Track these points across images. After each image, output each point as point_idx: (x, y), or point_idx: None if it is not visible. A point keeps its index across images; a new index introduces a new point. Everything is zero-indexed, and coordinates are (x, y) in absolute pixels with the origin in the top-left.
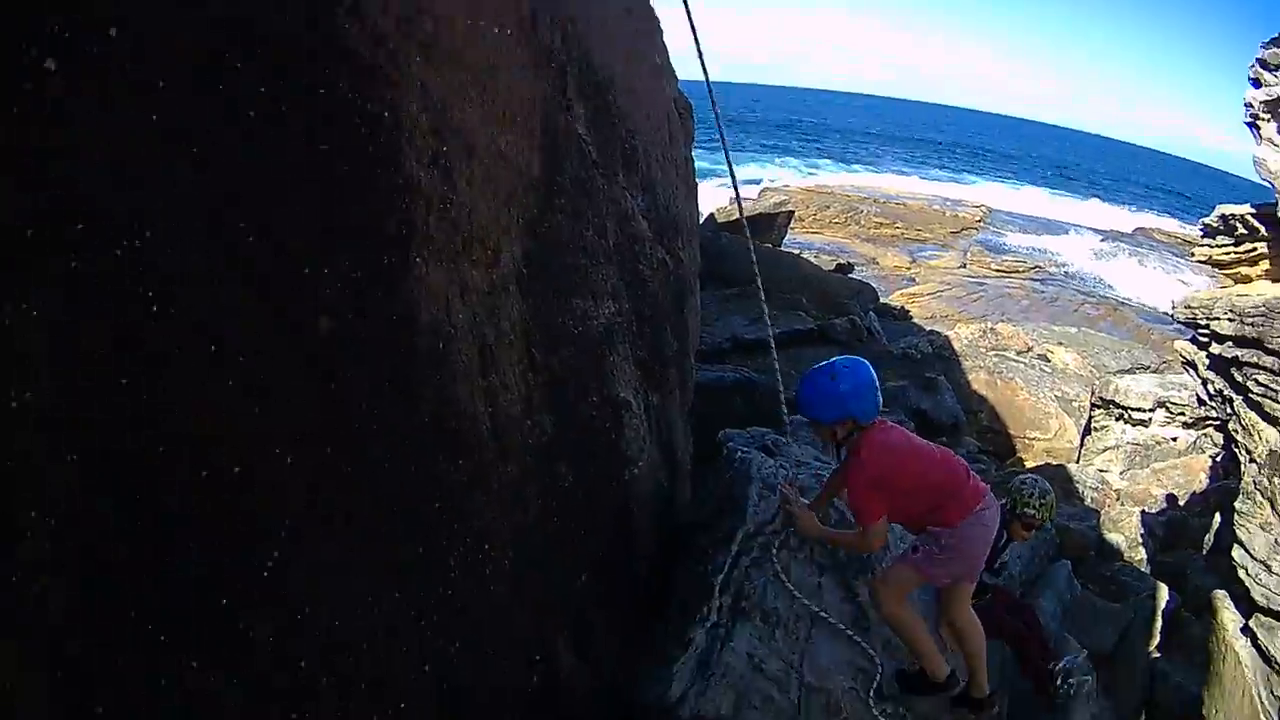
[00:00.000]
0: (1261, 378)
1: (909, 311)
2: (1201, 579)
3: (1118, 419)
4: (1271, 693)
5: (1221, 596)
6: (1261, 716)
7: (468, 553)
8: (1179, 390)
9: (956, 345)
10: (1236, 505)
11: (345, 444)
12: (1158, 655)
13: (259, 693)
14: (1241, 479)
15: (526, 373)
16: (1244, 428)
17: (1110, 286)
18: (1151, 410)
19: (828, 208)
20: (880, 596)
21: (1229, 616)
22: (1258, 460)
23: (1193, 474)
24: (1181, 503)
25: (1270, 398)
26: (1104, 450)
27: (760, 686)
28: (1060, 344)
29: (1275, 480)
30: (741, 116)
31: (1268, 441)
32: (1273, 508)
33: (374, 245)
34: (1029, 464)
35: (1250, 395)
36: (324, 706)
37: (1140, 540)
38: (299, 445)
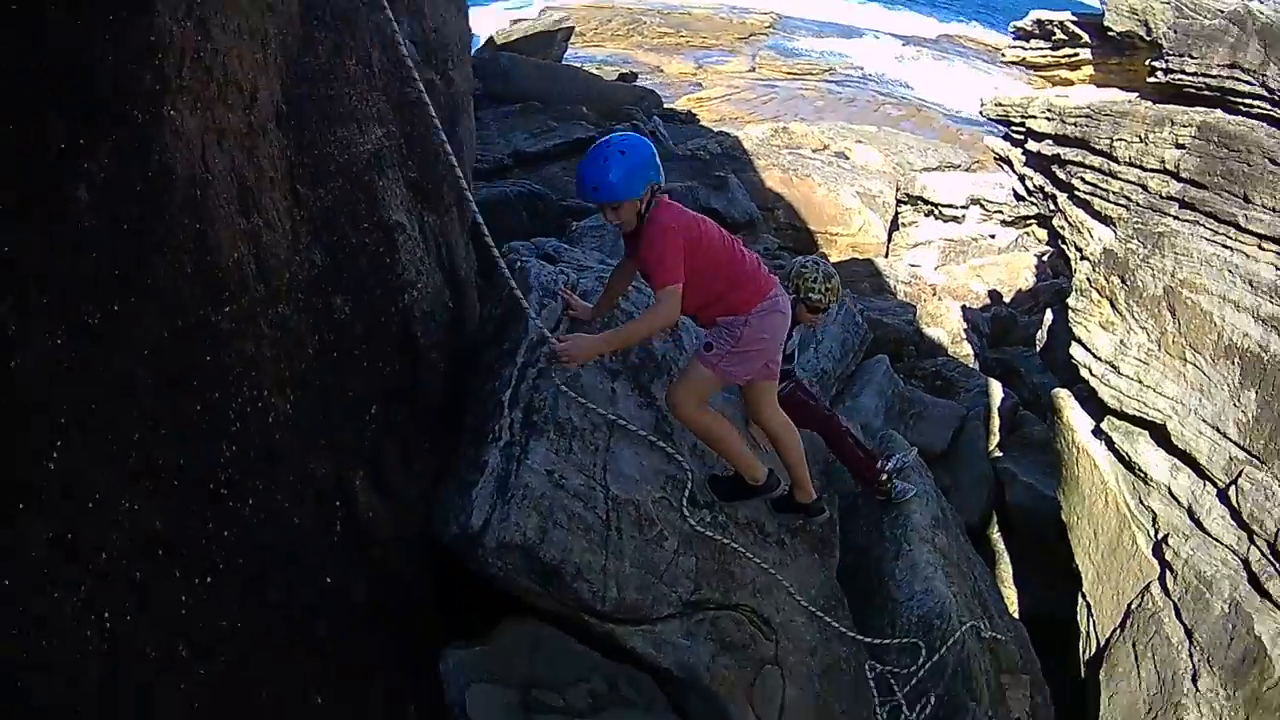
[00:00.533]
0: (1088, 176)
1: (696, 115)
2: (1039, 377)
3: (928, 215)
4: (1141, 501)
5: (1065, 396)
6: (1132, 526)
7: (247, 403)
8: (995, 189)
9: (747, 145)
10: (1070, 303)
11: (103, 308)
12: (999, 455)
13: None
14: (1074, 276)
15: (292, 209)
16: (1071, 225)
17: (912, 89)
18: (965, 208)
19: (610, 21)
20: (676, 401)
21: (1076, 417)
22: (1090, 258)
23: (1016, 272)
24: (1008, 299)
25: (1100, 196)
26: (915, 246)
27: (564, 504)
28: (860, 142)
29: (1113, 279)
30: None
31: (1100, 240)
32: (1113, 306)
33: (128, 103)
34: (835, 258)
35: (1076, 193)
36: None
37: (964, 335)
38: (55, 318)
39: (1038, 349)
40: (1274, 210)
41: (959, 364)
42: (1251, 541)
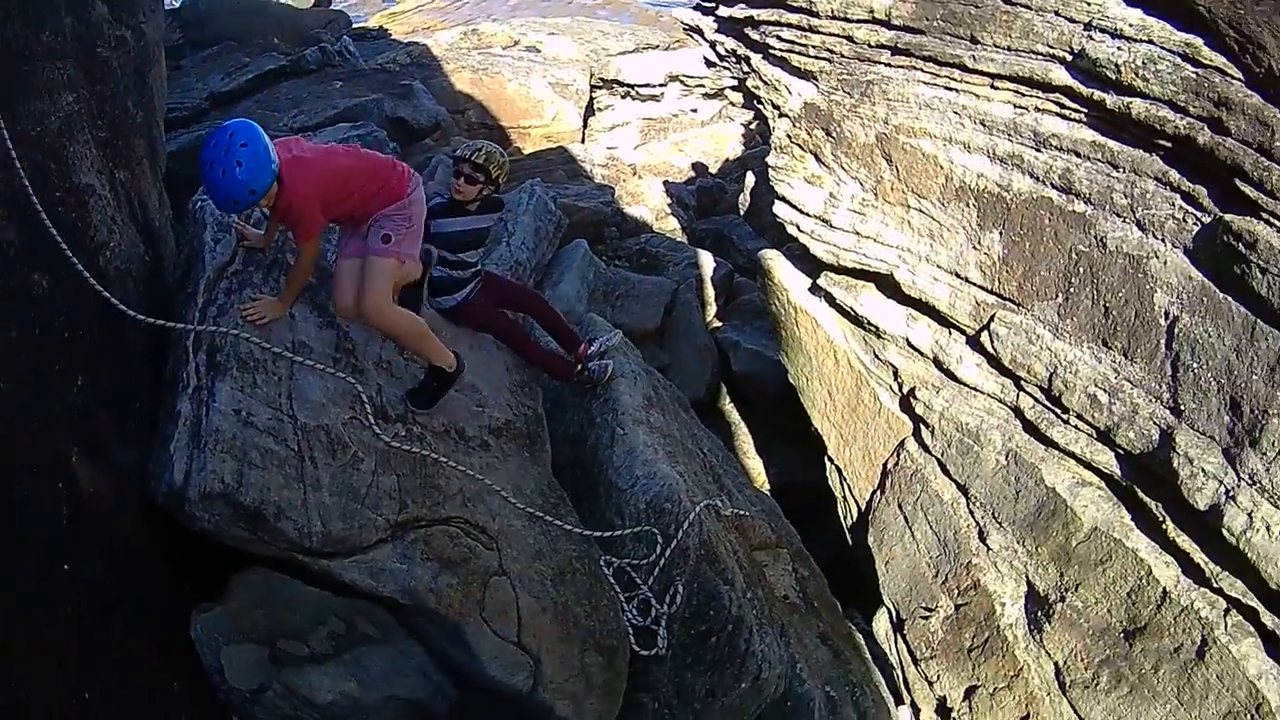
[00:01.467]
0: (785, 34)
1: (388, 31)
2: (752, 243)
3: (624, 97)
4: (876, 356)
5: (774, 256)
6: (870, 383)
7: None
8: (695, 64)
9: (436, 52)
10: (770, 161)
11: None
12: (719, 325)
13: None
14: (772, 135)
15: None
16: (767, 84)
17: None
18: (663, 85)
19: None
20: (375, 307)
21: (787, 277)
22: (790, 114)
23: (721, 143)
24: (714, 171)
25: (799, 52)
26: (612, 129)
27: (256, 441)
28: (552, 34)
29: (815, 132)
30: None
31: (800, 95)
32: (818, 160)
33: None
34: (527, 150)
35: (771, 53)
36: None
37: (669, 211)
38: None
39: (742, 213)
40: (1009, 49)
41: (665, 239)
42: (1020, 388)
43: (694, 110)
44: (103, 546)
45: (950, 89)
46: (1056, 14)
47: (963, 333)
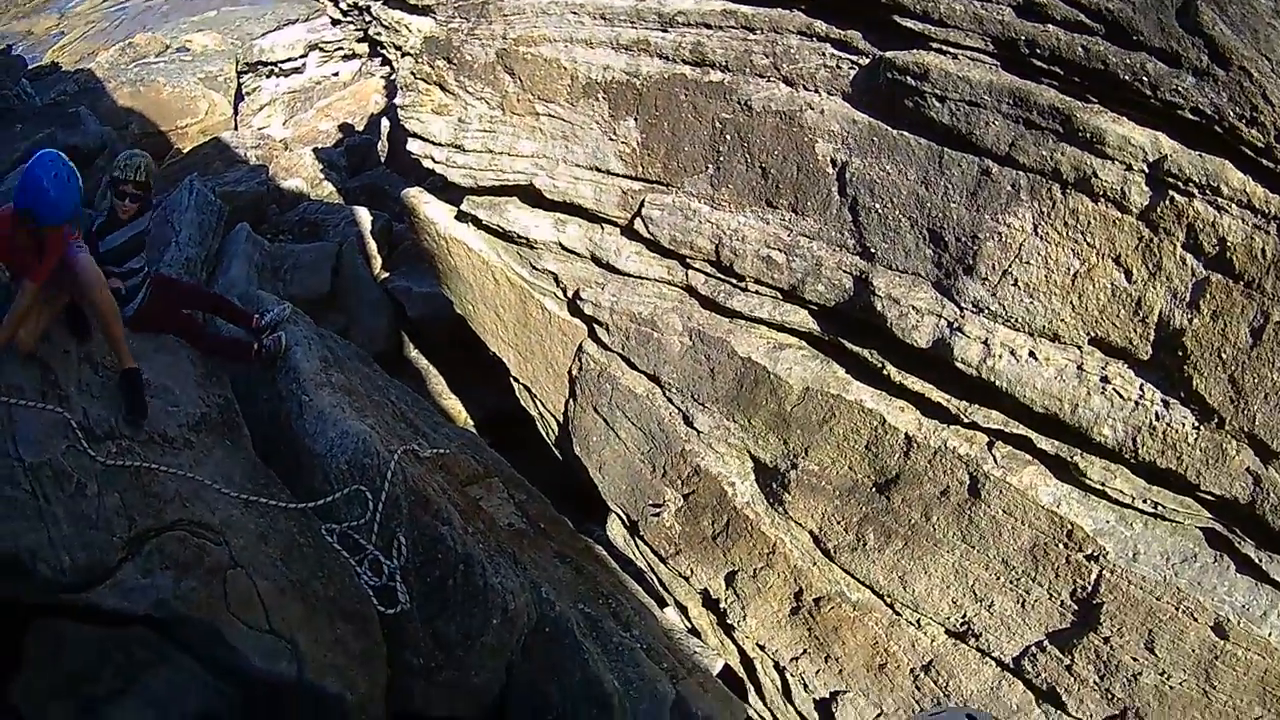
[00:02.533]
0: None
1: (59, 64)
2: (401, 189)
3: (269, 76)
4: (534, 267)
5: (415, 194)
6: (536, 295)
7: None
8: (331, 30)
9: (99, 74)
10: (398, 101)
11: None
12: (387, 274)
13: None
14: (397, 76)
15: None
16: (388, 27)
17: None
18: (303, 56)
19: None
20: (95, 297)
21: (432, 211)
22: (411, 52)
23: (365, 99)
24: (362, 129)
25: None
26: (260, 109)
27: None
28: (199, 30)
29: (438, 63)
30: None
31: (420, 31)
32: (442, 90)
33: None
34: (187, 148)
35: None
36: None
37: (322, 176)
38: None
39: (383, 160)
40: None
41: (322, 204)
42: (688, 267)
43: (335, 74)
44: None
45: None
46: None
47: (615, 225)
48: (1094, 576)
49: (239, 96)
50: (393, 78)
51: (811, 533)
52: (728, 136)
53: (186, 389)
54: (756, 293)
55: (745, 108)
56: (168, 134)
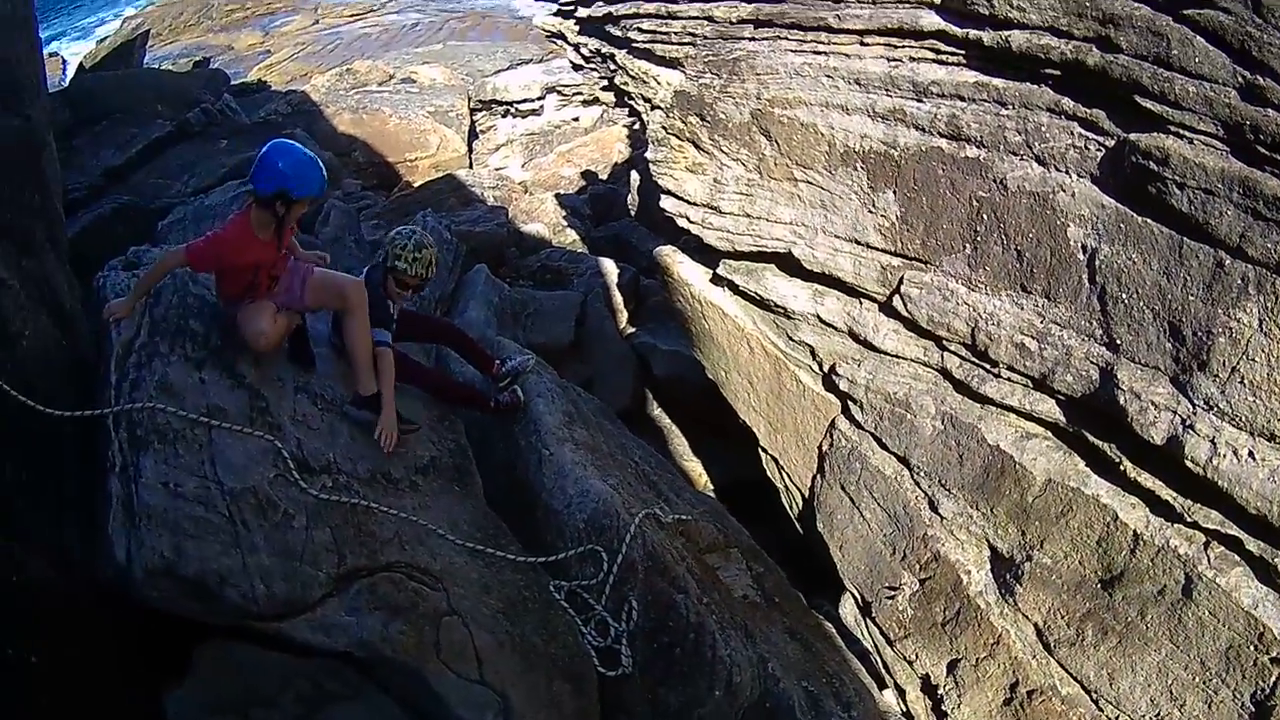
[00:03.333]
0: (646, 25)
1: (268, 83)
2: (652, 243)
3: (504, 116)
4: (790, 338)
5: (670, 252)
6: (790, 366)
7: None
8: (569, 72)
9: (315, 97)
10: (650, 157)
11: None
12: (633, 331)
13: None
14: (647, 129)
15: None
16: (634, 77)
17: None
18: (541, 98)
19: (181, 14)
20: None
21: (687, 271)
22: (661, 105)
23: (607, 147)
24: (605, 177)
25: (661, 41)
26: (497, 149)
27: (186, 511)
28: (425, 63)
29: (691, 119)
30: None
31: (669, 84)
32: (696, 147)
33: None
34: (418, 183)
35: (635, 46)
36: None
37: (565, 223)
38: None
39: (632, 213)
40: (873, 3)
41: (565, 251)
42: (943, 349)
43: (575, 119)
44: (55, 633)
45: (819, 53)
46: None
47: (873, 300)
48: (1273, 679)
49: (472, 134)
50: (637, 127)
51: (1036, 625)
52: (984, 215)
53: (420, 430)
54: (1008, 379)
55: (1000, 186)
56: (395, 166)
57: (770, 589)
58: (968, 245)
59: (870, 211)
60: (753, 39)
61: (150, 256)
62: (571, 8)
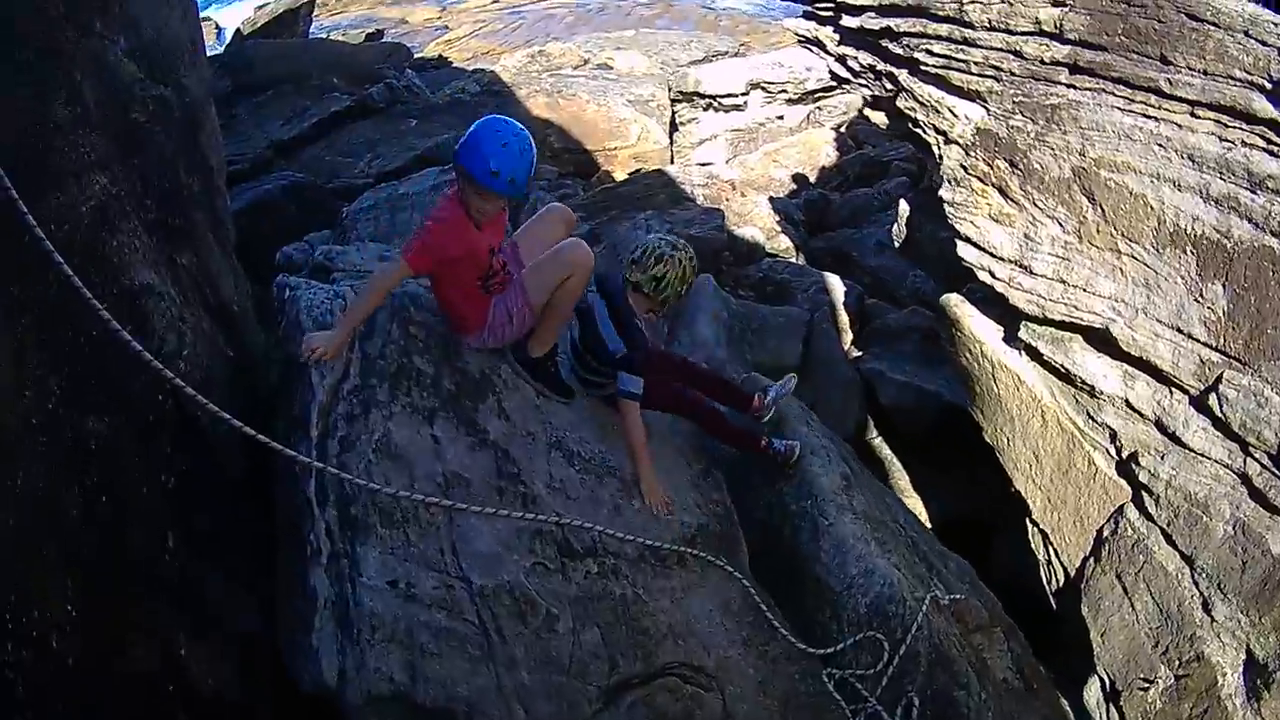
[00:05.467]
0: (937, 48)
1: (448, 59)
2: (875, 259)
3: (707, 109)
4: (1091, 417)
5: (959, 303)
6: (1085, 446)
7: (18, 629)
8: (773, 69)
9: (505, 78)
10: (945, 196)
11: None
12: (859, 354)
13: None
14: (940, 163)
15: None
16: (924, 104)
17: None
18: (745, 94)
19: None
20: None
21: (979, 327)
22: (961, 141)
23: (814, 150)
24: (814, 180)
25: (957, 69)
26: (700, 144)
27: (424, 620)
28: (620, 48)
29: (997, 163)
30: None
31: (969, 119)
32: (1003, 195)
33: None
34: (619, 175)
35: (924, 68)
36: None
37: (779, 229)
38: None
39: (896, 245)
40: (1204, 73)
41: (787, 263)
42: (1247, 454)
43: (780, 117)
44: None
45: (1150, 117)
46: (1247, 34)
47: (1185, 393)
48: None
49: (673, 127)
50: (842, 129)
51: None
52: None
53: (681, 491)
54: None
55: None
56: (594, 154)
57: (1028, 673)
58: None
59: (1197, 301)
60: (1071, 86)
61: (345, 259)
62: (831, 14)
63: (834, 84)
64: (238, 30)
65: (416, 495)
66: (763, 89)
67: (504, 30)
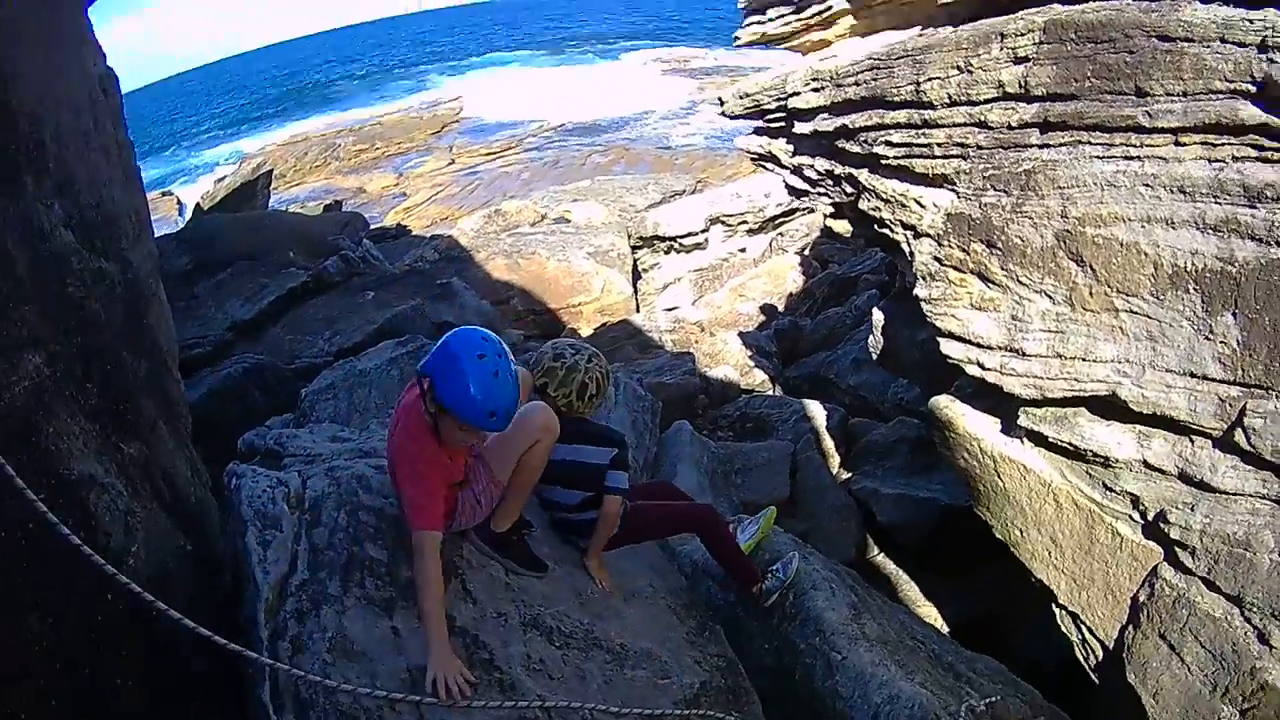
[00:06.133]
0: (895, 137)
1: (407, 227)
2: (854, 378)
3: (668, 252)
4: (1108, 488)
5: (949, 403)
6: (1106, 519)
7: None
8: (731, 200)
9: (464, 241)
10: (920, 293)
11: None
12: (848, 476)
13: None
14: (912, 260)
15: None
16: (888, 200)
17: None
18: (704, 231)
19: (305, 154)
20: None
21: (974, 424)
22: (931, 232)
23: (780, 277)
24: (783, 309)
25: (920, 154)
26: (664, 288)
27: None
28: (576, 200)
29: (973, 247)
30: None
31: (938, 206)
32: (983, 279)
33: None
34: (585, 330)
35: (885, 162)
36: None
37: (752, 364)
38: None
39: (874, 357)
40: (1184, 95)
41: (764, 397)
42: None
43: (742, 249)
44: None
45: (1131, 158)
46: (1223, 41)
47: (1207, 437)
48: None
49: (636, 274)
50: (805, 251)
51: None
52: None
53: (677, 652)
54: None
55: None
56: (558, 312)
57: None
58: None
59: (1207, 338)
60: (1044, 145)
61: (296, 443)
62: (781, 125)
63: (794, 206)
64: (197, 205)
65: (379, 691)
66: (722, 223)
67: (460, 193)
